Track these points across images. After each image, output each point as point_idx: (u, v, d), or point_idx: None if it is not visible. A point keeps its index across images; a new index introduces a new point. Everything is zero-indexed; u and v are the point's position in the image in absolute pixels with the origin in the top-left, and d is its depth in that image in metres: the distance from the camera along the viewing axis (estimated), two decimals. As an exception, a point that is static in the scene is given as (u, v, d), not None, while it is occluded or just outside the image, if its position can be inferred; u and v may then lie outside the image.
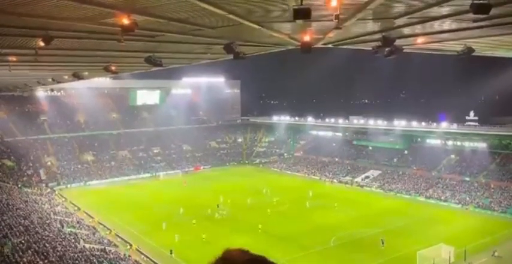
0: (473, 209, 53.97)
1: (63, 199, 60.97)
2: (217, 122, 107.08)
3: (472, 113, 75.11)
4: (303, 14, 9.72)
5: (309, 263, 36.49)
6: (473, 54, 16.92)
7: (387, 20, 12.65)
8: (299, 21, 10.55)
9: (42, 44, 13.03)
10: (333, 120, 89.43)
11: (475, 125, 71.95)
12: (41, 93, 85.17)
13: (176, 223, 47.48)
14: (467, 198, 56.77)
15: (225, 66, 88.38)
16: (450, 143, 71.38)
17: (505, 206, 52.67)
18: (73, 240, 36.39)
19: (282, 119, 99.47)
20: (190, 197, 60.04)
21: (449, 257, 34.84)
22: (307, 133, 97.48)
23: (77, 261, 29.41)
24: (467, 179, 62.26)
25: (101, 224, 47.96)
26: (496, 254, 36.49)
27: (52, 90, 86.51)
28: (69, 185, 71.23)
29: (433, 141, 73.28)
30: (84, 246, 35.39)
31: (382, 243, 39.22)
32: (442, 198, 58.71)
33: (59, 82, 38.26)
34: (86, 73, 27.89)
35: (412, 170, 70.03)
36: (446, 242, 36.98)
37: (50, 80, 35.89)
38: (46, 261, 27.28)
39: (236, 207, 53.69)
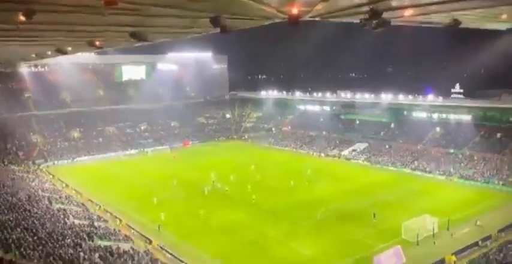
0: (457, 180, 55.25)
1: (51, 176, 60.82)
2: (204, 97, 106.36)
3: (457, 86, 75.71)
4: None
5: (299, 235, 37.24)
6: (460, 26, 16.94)
7: (375, -8, 12.54)
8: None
9: (23, 18, 12.67)
10: (320, 94, 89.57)
11: (461, 98, 72.78)
12: (24, 69, 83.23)
13: (166, 198, 47.87)
14: (452, 170, 58.01)
15: (212, 42, 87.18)
16: (436, 116, 72.23)
17: (488, 177, 54.00)
18: (62, 217, 36.50)
19: (270, 94, 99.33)
20: (179, 173, 60.30)
21: (433, 227, 35.86)
22: (295, 108, 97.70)
23: (66, 237, 29.60)
24: (452, 151, 63.44)
25: (90, 200, 48.12)
26: (478, 223, 37.68)
27: (36, 66, 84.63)
28: (56, 162, 70.95)
29: (419, 114, 74.08)
30: (73, 222, 35.56)
31: (374, 216, 39.97)
32: (427, 170, 59.89)
33: (42, 58, 37.42)
34: (70, 48, 27.26)
35: (399, 143, 71.02)
36: (431, 212, 38.00)
37: (34, 55, 35.09)
38: (35, 237, 27.41)
39: (225, 182, 54.09)
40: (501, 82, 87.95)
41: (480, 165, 57.44)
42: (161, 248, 34.49)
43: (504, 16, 16.75)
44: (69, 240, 28.98)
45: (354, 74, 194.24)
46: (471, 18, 17.13)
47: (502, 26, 19.03)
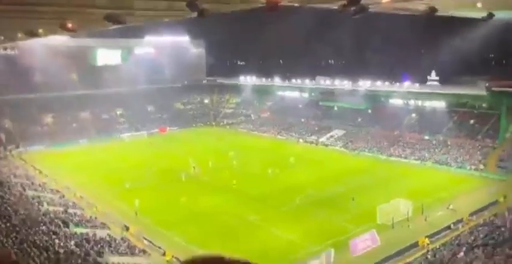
0: (431, 165, 56.56)
1: (23, 162, 59.50)
2: (182, 82, 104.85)
3: (433, 73, 76.91)
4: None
5: (278, 220, 37.62)
6: (436, 14, 17.05)
7: (354, -22, 12.45)
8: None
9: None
10: (299, 80, 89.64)
11: (436, 85, 74.02)
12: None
13: (143, 185, 47.55)
14: (426, 155, 59.32)
15: (189, 26, 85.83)
16: (412, 102, 73.40)
17: (461, 162, 55.45)
18: (36, 203, 35.87)
19: (249, 80, 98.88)
20: (157, 159, 59.86)
21: (408, 211, 36.74)
22: (274, 94, 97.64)
23: (41, 224, 29.12)
24: (427, 137, 64.75)
25: (65, 187, 47.35)
26: (450, 207, 38.78)
27: (5, 49, 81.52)
28: (28, 148, 69.27)
29: (396, 101, 75.10)
30: (48, 209, 34.99)
31: (353, 199, 40.85)
32: (403, 155, 61.08)
33: (12, 40, 36.09)
34: (41, 31, 26.33)
35: (375, 129, 72.05)
36: (406, 197, 38.84)
37: (2, 38, 33.77)
38: (8, 224, 26.82)
39: (204, 168, 53.95)
40: (475, 68, 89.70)
41: (453, 151, 58.87)
42: (138, 234, 34.35)
43: (479, 4, 16.92)
44: (43, 227, 28.54)
45: (332, 61, 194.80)
46: (447, 6, 17.26)
47: (477, 14, 19.23)
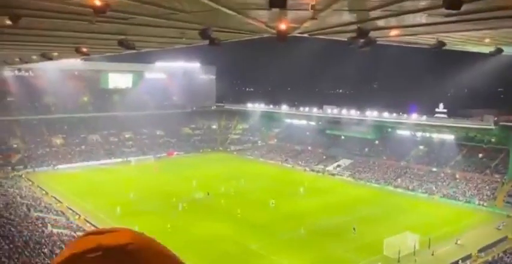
0: (439, 199, 55.77)
1: (30, 183, 59.62)
2: (191, 107, 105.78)
3: (441, 106, 76.97)
4: (278, 2, 9.68)
5: (280, 248, 36.99)
6: (445, 48, 17.30)
7: (362, 12, 12.74)
8: (275, 10, 10.50)
9: (9, 22, 12.52)
10: (307, 109, 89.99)
11: (444, 117, 73.86)
12: (7, 73, 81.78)
13: (146, 209, 47.27)
14: (434, 188, 58.58)
15: (200, 52, 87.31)
16: (419, 134, 73.14)
17: (469, 196, 54.64)
18: (40, 225, 35.72)
19: (257, 107, 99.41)
20: (162, 184, 59.71)
21: (415, 244, 36.02)
22: (281, 121, 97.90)
23: (44, 246, 28.90)
24: (435, 169, 64.14)
25: (70, 208, 47.20)
26: (458, 242, 37.98)
27: (20, 70, 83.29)
28: (36, 169, 69.61)
29: (403, 132, 74.87)
30: (51, 231, 34.80)
31: (354, 230, 40.17)
32: (410, 187, 60.38)
33: (26, 62, 36.96)
34: (56, 54, 27.00)
35: (382, 160, 71.59)
36: (412, 230, 38.18)
37: (17, 59, 34.63)
38: (11, 245, 26.72)
39: (211, 194, 53.61)
40: (484, 102, 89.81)
41: (462, 185, 58.14)
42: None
43: (487, 40, 17.16)
44: (46, 249, 28.31)
45: (340, 90, 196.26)
46: (455, 41, 17.51)
47: (485, 49, 19.46)
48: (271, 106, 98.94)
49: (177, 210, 46.87)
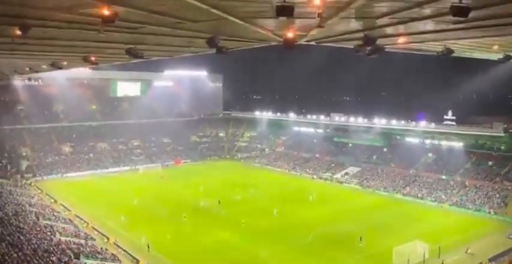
0: (449, 207, 55.13)
1: (39, 191, 59.95)
2: (198, 115, 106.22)
3: (450, 113, 76.50)
4: (285, 11, 9.71)
5: (289, 258, 36.71)
6: (453, 55, 17.21)
7: (369, 20, 12.73)
8: (282, 18, 10.53)
9: (19, 32, 12.67)
10: (314, 116, 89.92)
11: (453, 125, 73.34)
12: (18, 82, 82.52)
13: (154, 217, 47.25)
14: (443, 196, 57.95)
15: (207, 60, 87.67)
16: (428, 141, 72.63)
17: (479, 204, 53.96)
18: (49, 233, 35.78)
19: (264, 115, 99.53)
20: (170, 192, 59.75)
21: (424, 253, 35.55)
22: (288, 129, 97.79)
23: (52, 254, 28.92)
24: (444, 177, 63.50)
25: (78, 216, 47.32)
26: (469, 251, 37.43)
27: (30, 79, 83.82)
28: (45, 177, 70.09)
29: (412, 140, 74.41)
30: (60, 239, 34.85)
31: (360, 240, 39.74)
32: (419, 195, 59.79)
33: (36, 71, 37.36)
34: (65, 63, 27.29)
35: (391, 168, 71.06)
36: (422, 238, 37.69)
37: (27, 69, 35.03)
38: (20, 253, 26.74)
39: (215, 202, 53.51)
40: (493, 109, 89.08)
41: (472, 193, 57.45)
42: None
43: (496, 47, 17.05)
44: (54, 257, 28.30)
45: (347, 98, 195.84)
46: (462, 48, 17.42)
47: (494, 56, 19.34)
48: (278, 114, 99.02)
49: (185, 218, 46.78)
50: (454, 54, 17.41)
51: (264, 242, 40.26)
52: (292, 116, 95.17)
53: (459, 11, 9.50)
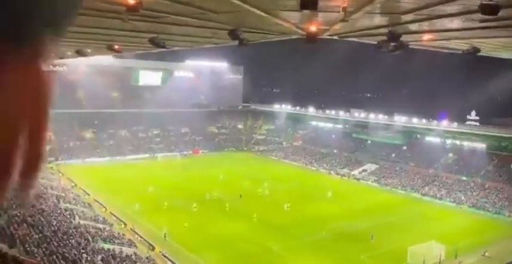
0: (468, 209, 54.27)
1: (61, 175, 61.28)
2: (218, 107, 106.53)
3: (473, 113, 74.86)
4: (310, 4, 9.66)
5: (301, 252, 36.82)
6: (479, 54, 16.82)
7: (395, 15, 12.54)
8: (306, 11, 10.47)
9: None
10: (333, 112, 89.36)
11: (476, 125, 71.83)
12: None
13: (172, 206, 47.85)
14: (463, 198, 57.05)
15: (228, 52, 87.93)
16: (449, 141, 71.44)
17: (499, 207, 52.96)
18: (68, 216, 36.70)
19: (283, 108, 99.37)
20: (188, 181, 60.34)
21: (440, 254, 35.15)
22: (307, 123, 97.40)
23: (71, 237, 29.68)
24: (464, 178, 62.43)
25: (97, 201, 48.28)
26: (486, 254, 36.81)
27: (55, 65, 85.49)
28: (67, 161, 71.54)
29: (433, 139, 73.28)
30: (79, 223, 35.71)
31: (372, 237, 39.52)
32: (438, 196, 59.00)
33: (61, 58, 38.01)
34: (89, 50, 27.67)
35: (410, 166, 70.20)
36: (438, 239, 37.21)
37: (52, 55, 35.62)
38: (41, 234, 27.54)
39: (232, 194, 53.84)
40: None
41: (492, 195, 56.38)
42: (163, 255, 34.36)
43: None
44: (73, 240, 29.06)
45: (368, 94, 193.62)
46: (489, 47, 17.00)
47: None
48: (297, 108, 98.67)
49: (203, 207, 47.28)
50: (480, 53, 17.02)
51: (277, 235, 40.44)
52: (311, 110, 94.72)
53: (489, 9, 9.29)
